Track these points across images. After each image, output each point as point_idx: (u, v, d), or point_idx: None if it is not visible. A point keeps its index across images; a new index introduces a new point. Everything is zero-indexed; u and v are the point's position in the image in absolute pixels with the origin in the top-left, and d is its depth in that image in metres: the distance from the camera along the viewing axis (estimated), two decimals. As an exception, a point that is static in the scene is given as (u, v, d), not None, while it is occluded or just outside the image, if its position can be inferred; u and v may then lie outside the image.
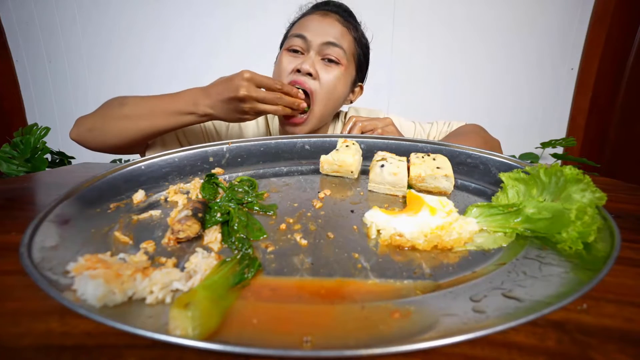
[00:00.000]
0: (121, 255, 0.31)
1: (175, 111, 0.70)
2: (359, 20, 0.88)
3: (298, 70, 0.77)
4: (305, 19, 0.82)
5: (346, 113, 1.02)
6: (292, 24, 0.87)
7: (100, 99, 0.77)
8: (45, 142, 1.32)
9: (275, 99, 0.66)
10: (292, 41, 0.80)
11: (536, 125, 1.81)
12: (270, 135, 0.96)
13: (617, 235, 0.33)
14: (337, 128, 0.99)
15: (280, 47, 0.91)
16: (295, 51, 0.80)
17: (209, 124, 0.88)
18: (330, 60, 0.79)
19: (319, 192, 0.49)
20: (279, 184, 0.52)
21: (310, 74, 0.76)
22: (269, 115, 1.02)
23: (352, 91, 0.91)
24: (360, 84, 0.93)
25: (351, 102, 0.94)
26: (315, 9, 0.85)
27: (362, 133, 0.71)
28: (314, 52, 0.79)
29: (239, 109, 0.66)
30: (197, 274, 0.29)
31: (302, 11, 0.88)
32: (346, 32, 0.81)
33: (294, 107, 0.69)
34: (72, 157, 1.54)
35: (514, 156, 0.75)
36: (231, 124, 0.92)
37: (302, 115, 0.77)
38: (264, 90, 0.66)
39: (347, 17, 0.84)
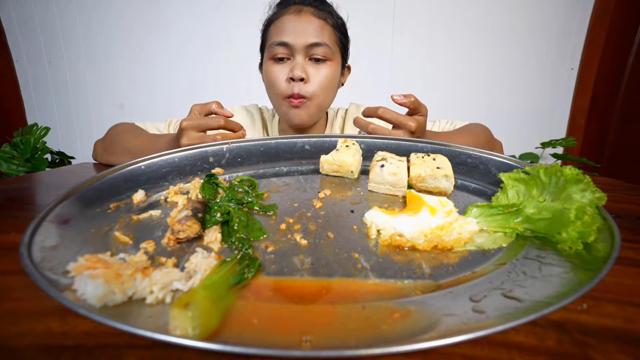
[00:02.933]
0: (121, 255, 0.31)
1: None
2: (329, 2, 0.87)
3: (291, 79, 0.78)
4: (280, 21, 0.81)
5: (346, 110, 1.02)
6: (267, 25, 0.85)
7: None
8: (45, 142, 1.31)
9: (213, 139, 0.62)
10: (275, 50, 0.80)
11: (536, 125, 1.81)
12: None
13: (617, 235, 0.33)
14: (335, 125, 0.99)
15: (261, 51, 0.90)
16: (281, 59, 0.81)
17: None
18: (318, 60, 0.80)
19: (319, 192, 0.49)
20: (279, 184, 0.52)
21: (302, 79, 0.78)
22: (267, 118, 1.02)
23: (342, 74, 0.92)
24: (347, 64, 0.93)
25: (342, 85, 0.94)
26: (286, 5, 0.82)
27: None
28: (300, 55, 0.79)
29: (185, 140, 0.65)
30: (197, 274, 0.29)
31: (272, 9, 0.86)
32: (324, 24, 0.80)
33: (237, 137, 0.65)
34: (72, 157, 1.54)
35: (514, 156, 0.75)
36: None
37: (300, 99, 0.80)
38: (201, 134, 0.63)
39: (320, 6, 0.82)
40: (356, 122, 0.67)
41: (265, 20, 0.87)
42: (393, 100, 0.67)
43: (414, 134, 0.65)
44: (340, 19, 0.87)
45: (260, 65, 0.91)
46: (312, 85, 0.80)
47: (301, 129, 0.91)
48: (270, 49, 0.81)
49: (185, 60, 1.84)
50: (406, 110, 0.69)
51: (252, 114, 0.99)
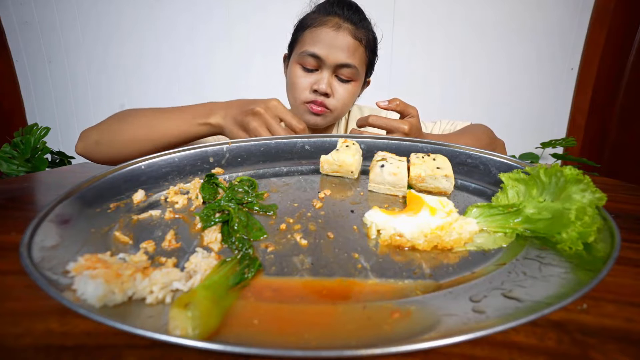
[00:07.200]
0: (121, 255, 0.31)
1: (191, 119, 0.70)
2: (368, 18, 0.86)
3: (315, 90, 0.81)
4: (317, 31, 0.80)
5: (350, 111, 1.02)
6: (304, 28, 0.84)
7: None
8: (45, 142, 1.32)
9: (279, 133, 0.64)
10: (305, 59, 0.81)
11: (536, 126, 1.81)
12: None
13: (617, 235, 0.32)
14: (340, 126, 1.00)
15: (289, 48, 0.89)
16: (309, 69, 0.82)
17: None
18: (344, 80, 0.83)
19: (319, 192, 0.49)
20: (279, 184, 0.52)
21: (327, 94, 0.81)
22: None
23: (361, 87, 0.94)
24: (368, 79, 0.95)
25: (358, 96, 0.96)
26: (327, 13, 0.81)
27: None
28: (327, 70, 0.81)
29: (246, 122, 0.65)
30: (197, 274, 0.29)
31: (312, 9, 0.85)
32: (358, 45, 0.81)
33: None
34: (72, 157, 1.54)
35: (514, 156, 0.75)
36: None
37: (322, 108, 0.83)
38: (278, 125, 0.65)
39: (359, 23, 0.82)
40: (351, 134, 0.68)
41: (302, 19, 0.86)
42: (378, 106, 0.68)
43: (408, 136, 0.66)
44: (374, 35, 0.87)
45: (285, 58, 0.92)
46: (336, 100, 0.83)
47: (312, 129, 0.92)
48: (301, 56, 0.82)
49: (185, 59, 1.84)
50: (398, 115, 0.70)
51: None
